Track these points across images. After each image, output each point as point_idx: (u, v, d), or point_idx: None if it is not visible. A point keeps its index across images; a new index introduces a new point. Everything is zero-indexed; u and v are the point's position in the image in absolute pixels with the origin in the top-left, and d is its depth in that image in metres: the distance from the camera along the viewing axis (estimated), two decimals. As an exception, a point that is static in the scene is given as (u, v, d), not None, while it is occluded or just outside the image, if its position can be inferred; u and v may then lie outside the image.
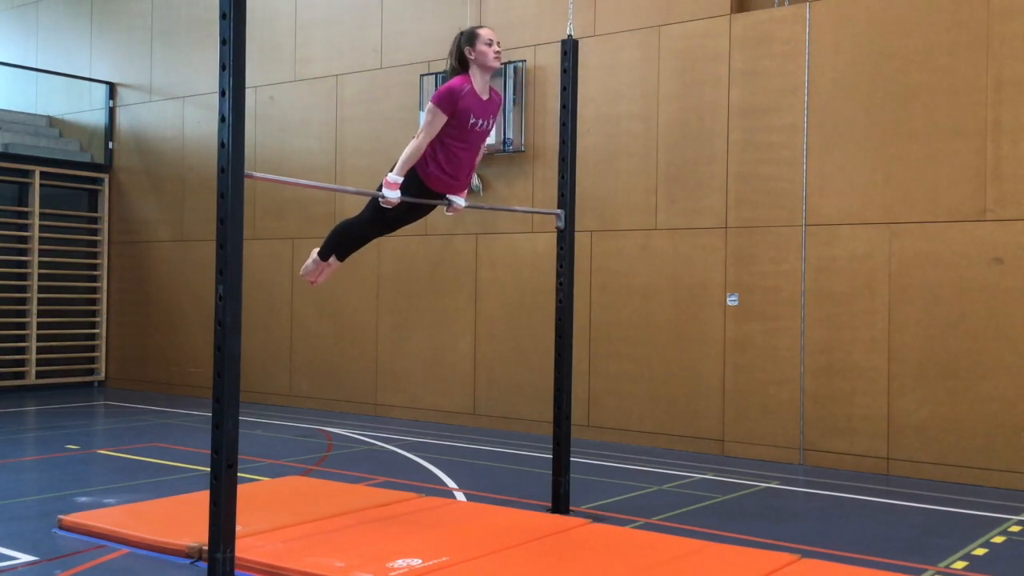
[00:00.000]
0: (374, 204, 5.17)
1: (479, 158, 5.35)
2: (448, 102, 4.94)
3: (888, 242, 7.45)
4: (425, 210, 5.38)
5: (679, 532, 5.48)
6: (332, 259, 5.48)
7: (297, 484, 6.55)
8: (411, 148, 4.98)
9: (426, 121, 4.97)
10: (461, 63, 5.07)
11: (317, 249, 5.50)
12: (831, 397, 7.64)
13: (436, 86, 9.67)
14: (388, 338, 10.23)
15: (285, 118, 11.05)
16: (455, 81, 5.02)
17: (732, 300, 8.11)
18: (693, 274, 8.32)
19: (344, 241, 5.43)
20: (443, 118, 4.95)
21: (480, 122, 5.06)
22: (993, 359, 7.02)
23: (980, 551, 5.25)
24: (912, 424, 7.31)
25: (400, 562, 4.56)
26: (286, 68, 11.04)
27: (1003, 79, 7.05)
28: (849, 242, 7.61)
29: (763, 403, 7.94)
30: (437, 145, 5.02)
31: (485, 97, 5.10)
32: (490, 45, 5.02)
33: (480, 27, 5.13)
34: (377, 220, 5.27)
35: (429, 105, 4.99)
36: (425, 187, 5.11)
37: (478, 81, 5.06)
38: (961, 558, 5.10)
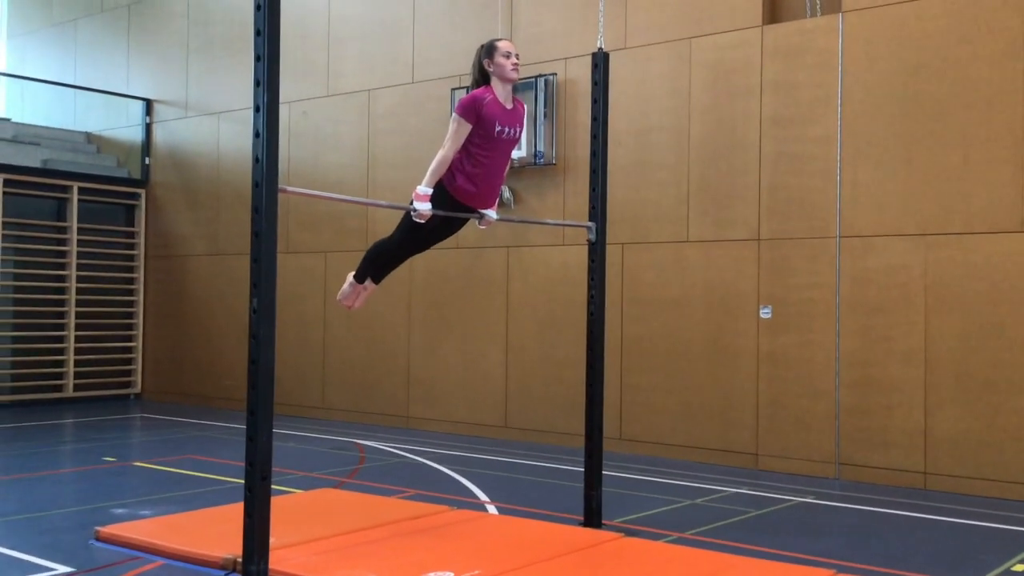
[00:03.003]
0: (406, 222, 5.20)
1: (506, 170, 5.36)
2: (471, 110, 4.99)
3: (924, 253, 7.37)
4: (457, 225, 5.38)
5: (712, 547, 5.43)
6: (368, 282, 5.49)
7: (330, 496, 6.58)
8: (438, 159, 5.01)
9: (451, 131, 5.01)
10: (483, 75, 5.15)
11: (352, 273, 5.52)
12: (867, 410, 7.55)
13: (465, 99, 9.73)
14: (420, 351, 10.26)
15: (318, 133, 11.14)
16: (477, 91, 5.10)
17: (765, 312, 8.05)
18: (726, 286, 8.27)
19: (378, 262, 5.44)
20: (467, 127, 5.00)
21: (506, 130, 5.08)
22: (1032, 372, 6.92)
23: (1020, 567, 5.17)
24: (950, 438, 7.21)
25: (432, 575, 4.56)
26: (319, 83, 11.15)
27: (1040, 88, 6.97)
28: (884, 254, 7.53)
29: (797, 416, 7.87)
30: (464, 156, 5.05)
31: (508, 107, 5.14)
32: (508, 57, 5.08)
33: (499, 39, 5.20)
34: (410, 238, 5.28)
35: (453, 115, 5.05)
36: (455, 201, 5.13)
37: (500, 91, 5.11)
38: (1000, 574, 5.02)
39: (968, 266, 7.20)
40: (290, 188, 4.51)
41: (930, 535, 5.97)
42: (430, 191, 5.00)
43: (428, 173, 5.02)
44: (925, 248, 7.37)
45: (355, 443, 9.33)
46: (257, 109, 4.32)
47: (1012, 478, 6.96)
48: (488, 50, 5.12)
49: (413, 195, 5.01)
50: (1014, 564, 5.21)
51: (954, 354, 7.21)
